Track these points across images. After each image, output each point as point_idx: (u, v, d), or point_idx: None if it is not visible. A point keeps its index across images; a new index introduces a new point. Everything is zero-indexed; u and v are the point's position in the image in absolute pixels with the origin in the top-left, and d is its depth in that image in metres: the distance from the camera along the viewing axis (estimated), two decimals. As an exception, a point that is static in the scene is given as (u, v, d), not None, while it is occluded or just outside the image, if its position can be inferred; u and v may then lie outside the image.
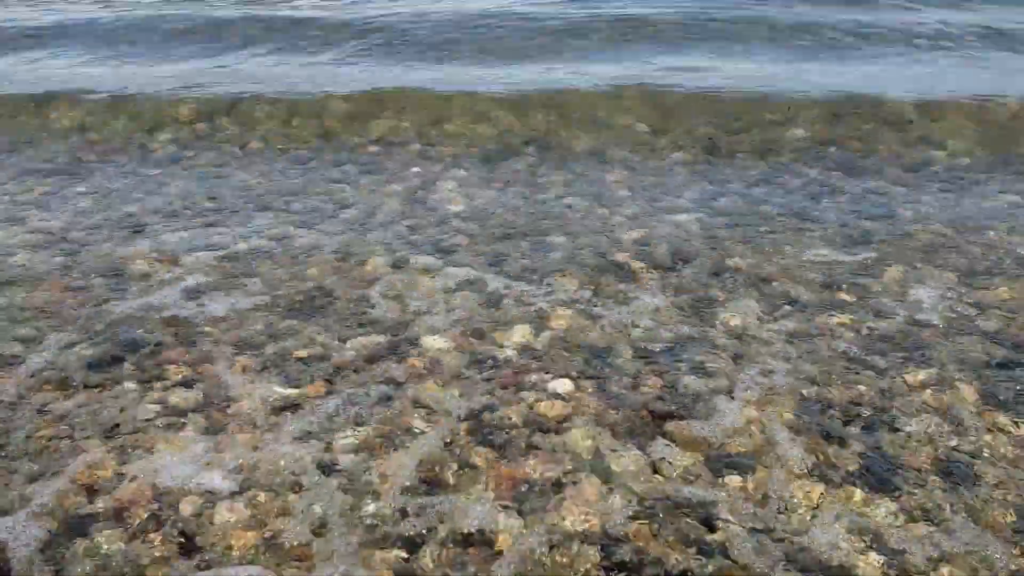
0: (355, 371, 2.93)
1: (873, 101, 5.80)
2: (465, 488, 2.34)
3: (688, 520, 2.22)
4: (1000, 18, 8.30)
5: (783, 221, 4.20)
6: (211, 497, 2.32)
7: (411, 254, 3.84)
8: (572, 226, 4.16)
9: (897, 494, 2.30)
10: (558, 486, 2.34)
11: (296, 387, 2.84)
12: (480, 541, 2.15)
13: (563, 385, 2.81)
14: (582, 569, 2.07)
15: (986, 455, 2.46)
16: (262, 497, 2.31)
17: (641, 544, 2.14)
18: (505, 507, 2.26)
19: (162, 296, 3.49)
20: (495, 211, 4.39)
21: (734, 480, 2.36)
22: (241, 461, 2.46)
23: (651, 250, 3.84)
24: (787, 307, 3.33)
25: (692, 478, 2.38)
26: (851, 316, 3.25)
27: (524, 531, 2.18)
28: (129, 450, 2.52)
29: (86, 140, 5.73)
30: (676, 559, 2.09)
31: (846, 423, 2.61)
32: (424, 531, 2.19)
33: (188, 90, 6.52)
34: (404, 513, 2.25)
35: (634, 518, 2.22)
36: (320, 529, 2.20)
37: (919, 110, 5.63)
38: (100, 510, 2.28)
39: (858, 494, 2.30)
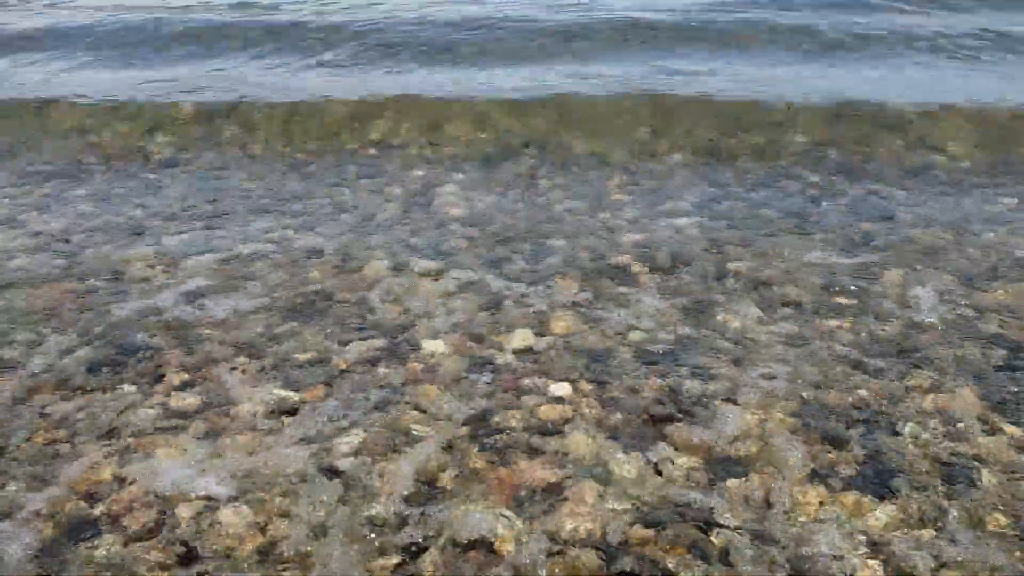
0: (355, 375, 2.92)
1: (873, 104, 5.80)
2: (465, 492, 2.33)
3: (688, 524, 2.21)
4: (1000, 20, 8.30)
5: (783, 224, 4.19)
6: (210, 502, 2.31)
7: (411, 257, 3.84)
8: (572, 229, 4.16)
9: (898, 499, 2.30)
10: (558, 490, 2.34)
11: (296, 391, 2.83)
12: (480, 546, 2.15)
13: (563, 389, 2.81)
14: (582, 574, 2.06)
15: (987, 459, 2.46)
16: (262, 502, 2.30)
17: (641, 549, 2.13)
18: (505, 512, 2.25)
19: (162, 299, 3.49)
20: (495, 214, 4.39)
21: (734, 484, 2.36)
22: (241, 465, 2.46)
23: (651, 253, 3.84)
24: (787, 310, 3.32)
25: (692, 482, 2.38)
26: (851, 319, 3.25)
27: (524, 536, 2.17)
28: (128, 454, 2.52)
29: (86, 143, 5.73)
30: (676, 564, 2.08)
31: (846, 427, 2.61)
32: (424, 536, 2.18)
33: (188, 94, 6.53)
34: (404, 518, 2.25)
35: (634, 522, 2.22)
36: (320, 534, 2.20)
37: (919, 113, 5.63)
38: (99, 515, 2.28)
39: (859, 499, 2.29)
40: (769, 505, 2.28)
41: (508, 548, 2.13)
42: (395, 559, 2.11)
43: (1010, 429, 2.59)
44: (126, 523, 2.24)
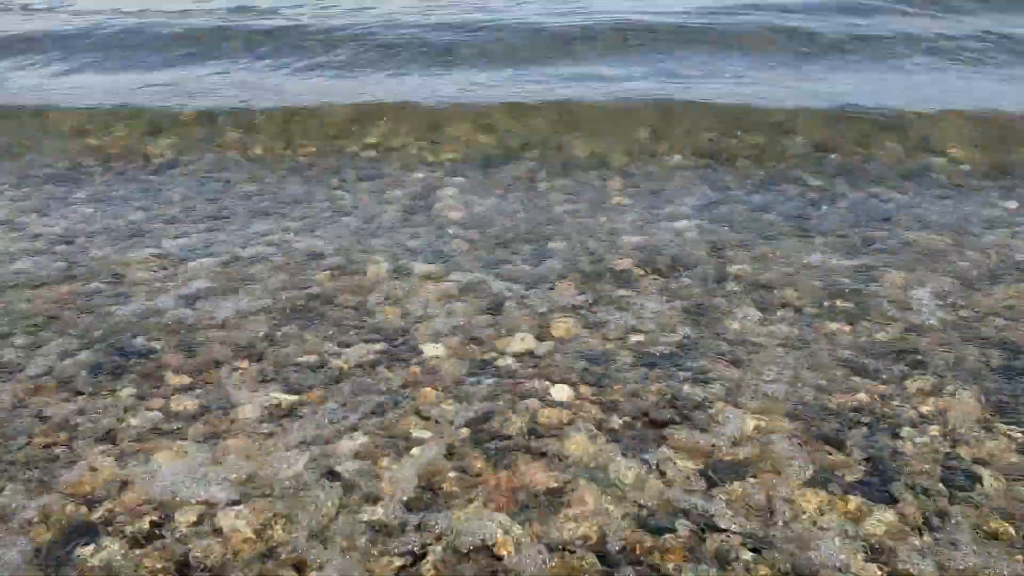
0: (355, 378, 2.92)
1: (873, 107, 5.81)
2: (465, 496, 2.33)
3: (689, 527, 2.21)
4: (1000, 24, 8.31)
5: (783, 227, 4.19)
6: (210, 506, 2.31)
7: (411, 260, 3.84)
8: (572, 232, 4.16)
9: (898, 503, 2.30)
10: (558, 494, 2.34)
11: (296, 394, 2.83)
12: (480, 549, 2.15)
13: (563, 392, 2.81)
14: (582, 578, 2.06)
15: (988, 463, 2.45)
16: (262, 506, 2.30)
17: (641, 553, 2.13)
18: (505, 515, 2.25)
19: (162, 301, 3.49)
20: (495, 217, 4.39)
21: (735, 488, 2.35)
22: (241, 469, 2.45)
23: (651, 256, 3.84)
24: (787, 314, 3.32)
25: (692, 486, 2.37)
26: (851, 323, 3.24)
27: (524, 539, 2.17)
28: (128, 457, 2.51)
29: (86, 145, 5.73)
30: (676, 568, 2.08)
31: (847, 431, 2.60)
32: (424, 539, 2.18)
33: (188, 96, 6.53)
34: (404, 521, 2.24)
35: (634, 526, 2.22)
36: (320, 538, 2.19)
37: (919, 116, 5.64)
38: (98, 519, 2.27)
39: (859, 503, 2.29)
40: (769, 509, 2.28)
41: (508, 552, 2.13)
42: (395, 563, 2.10)
43: (1011, 432, 2.58)
44: (125, 527, 2.23)
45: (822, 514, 2.26)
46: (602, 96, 6.29)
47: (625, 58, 7.53)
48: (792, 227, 4.20)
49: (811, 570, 2.08)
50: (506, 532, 2.19)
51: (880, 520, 2.23)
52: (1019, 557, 2.11)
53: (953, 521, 2.23)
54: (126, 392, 2.86)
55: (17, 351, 3.13)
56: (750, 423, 2.63)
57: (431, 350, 3.09)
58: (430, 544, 2.16)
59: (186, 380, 2.93)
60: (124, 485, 2.40)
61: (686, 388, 2.83)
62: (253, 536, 2.20)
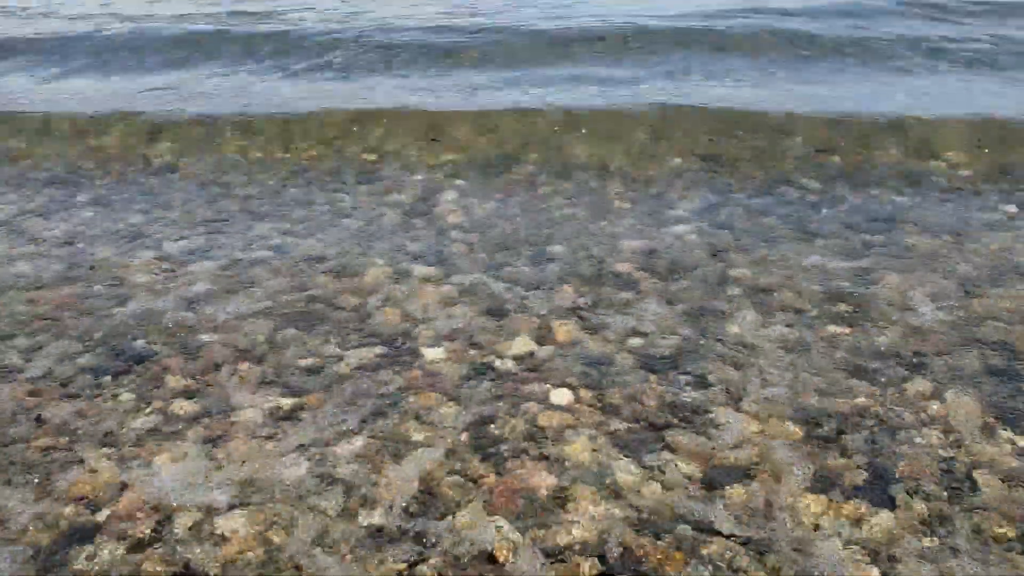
0: (355, 381, 2.92)
1: (873, 111, 5.81)
2: (465, 500, 2.33)
3: (689, 531, 2.21)
4: (1001, 28, 8.32)
5: (783, 230, 4.19)
6: (210, 510, 2.31)
7: (411, 264, 3.84)
8: (573, 235, 4.16)
9: (898, 507, 2.30)
10: (558, 497, 2.34)
11: (296, 397, 2.83)
12: (480, 553, 2.14)
13: (563, 395, 2.81)
14: (582, 582, 2.06)
15: (988, 467, 2.45)
16: (261, 509, 2.30)
17: (641, 556, 2.13)
18: (505, 519, 2.25)
19: (162, 304, 3.49)
20: (495, 221, 4.39)
21: (735, 492, 2.35)
22: (240, 472, 2.45)
23: (652, 259, 3.84)
24: (787, 317, 3.32)
25: (693, 490, 2.37)
26: (851, 326, 3.24)
27: (524, 543, 2.17)
28: (128, 461, 2.51)
29: (87, 148, 5.73)
30: (675, 572, 2.08)
31: (847, 435, 2.60)
32: (424, 543, 2.18)
33: (187, 100, 6.53)
34: (404, 525, 2.24)
35: (634, 529, 2.22)
36: (319, 542, 2.19)
37: (919, 120, 5.64)
38: (97, 523, 2.27)
39: (859, 507, 2.29)
40: (769, 513, 2.28)
41: (507, 556, 2.13)
42: (394, 568, 2.10)
43: (1011, 436, 2.58)
44: (124, 531, 2.23)
45: (822, 518, 2.26)
46: (602, 99, 6.29)
47: (625, 61, 7.54)
48: (792, 230, 4.20)
49: (812, 574, 2.07)
50: (505, 537, 2.19)
51: (880, 524, 2.23)
52: (1019, 561, 2.11)
53: (953, 525, 2.23)
54: (126, 395, 2.86)
55: (17, 353, 3.13)
56: (750, 426, 2.63)
57: (431, 353, 3.09)
58: (429, 549, 2.16)
59: (186, 383, 2.93)
60: (123, 488, 2.40)
61: (686, 391, 2.83)
62: (253, 540, 2.20)
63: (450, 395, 2.83)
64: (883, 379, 2.90)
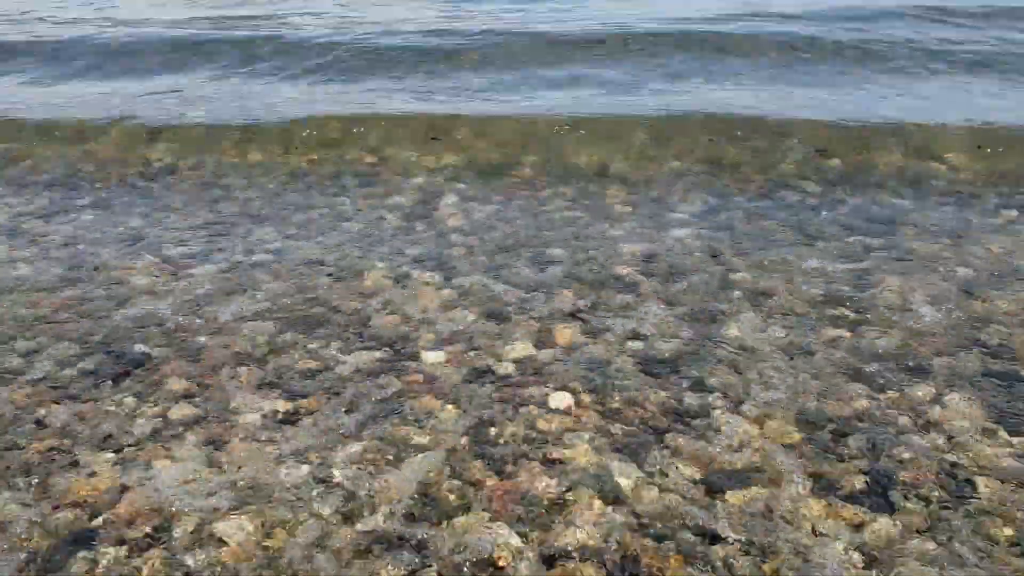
0: (355, 385, 2.92)
1: (873, 114, 5.82)
2: (465, 504, 2.33)
3: (689, 536, 2.21)
4: (1002, 31, 8.32)
5: (783, 234, 4.19)
6: (209, 513, 2.31)
7: (411, 268, 3.84)
8: (573, 239, 4.16)
9: (898, 511, 2.29)
10: (559, 501, 2.33)
11: (296, 400, 2.83)
12: (480, 558, 2.14)
13: (563, 399, 2.80)
14: (583, 586, 2.06)
15: (988, 470, 2.45)
16: (260, 514, 2.30)
17: (641, 560, 2.13)
18: (505, 523, 2.25)
19: (162, 308, 3.49)
20: (495, 224, 4.39)
21: (735, 496, 2.35)
22: (240, 476, 2.45)
23: (652, 263, 3.84)
24: (788, 320, 3.32)
25: (693, 493, 2.37)
26: (851, 329, 3.24)
27: (524, 547, 2.17)
28: (128, 464, 2.51)
29: (86, 152, 5.74)
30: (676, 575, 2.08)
31: (847, 438, 2.60)
32: (424, 547, 2.18)
33: (187, 103, 6.54)
34: (404, 529, 2.24)
35: (634, 534, 2.21)
36: (319, 547, 2.19)
37: (919, 124, 5.63)
38: (97, 526, 2.27)
39: (859, 511, 2.29)
40: (769, 517, 2.28)
41: (508, 561, 2.12)
42: (395, 573, 2.10)
43: (1010, 439, 2.58)
44: (124, 534, 2.23)
45: (822, 522, 2.25)
46: (602, 102, 6.30)
47: (625, 64, 7.54)
48: (792, 233, 4.20)
49: (812, 579, 2.07)
50: (506, 541, 2.18)
51: (880, 527, 2.23)
52: (1019, 564, 2.10)
53: (953, 528, 2.22)
54: (126, 398, 2.85)
55: (18, 356, 3.13)
56: (751, 430, 2.63)
57: (431, 357, 3.08)
58: (429, 554, 2.16)
59: (186, 386, 2.92)
60: (123, 492, 2.39)
61: (686, 395, 2.83)
62: (252, 545, 2.19)
63: (450, 399, 2.82)
64: (883, 382, 2.90)
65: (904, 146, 5.36)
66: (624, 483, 2.40)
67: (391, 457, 2.52)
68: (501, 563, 2.12)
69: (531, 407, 2.76)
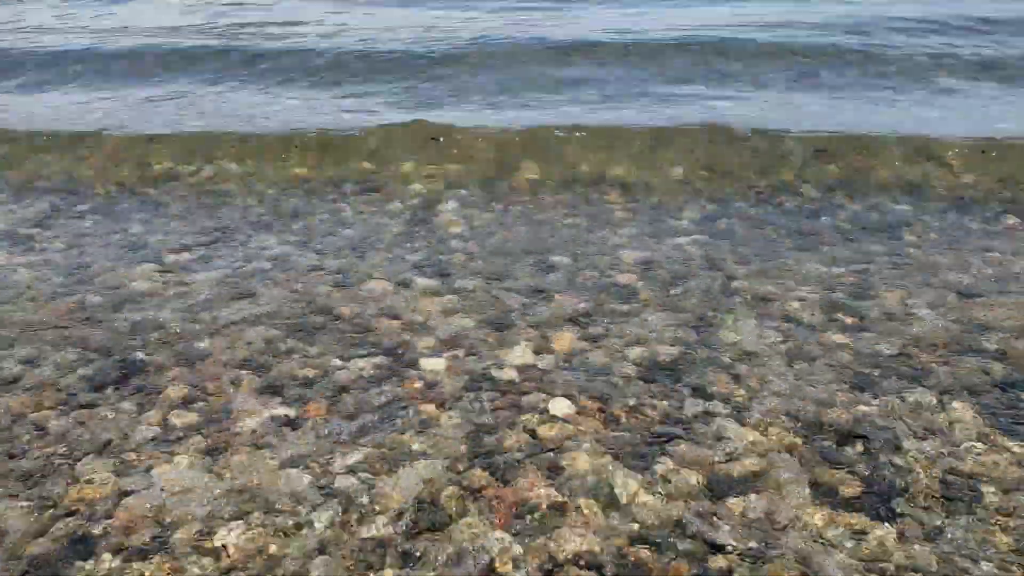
0: (355, 391, 2.92)
1: (874, 121, 5.82)
2: (465, 511, 2.32)
3: (690, 543, 2.20)
4: (1005, 40, 8.33)
5: (784, 240, 4.20)
6: (210, 520, 2.30)
7: (411, 274, 3.84)
8: (573, 246, 4.16)
9: (899, 518, 2.29)
10: (559, 508, 2.33)
11: (296, 407, 2.83)
12: (480, 564, 2.13)
13: (564, 406, 2.80)
14: (583, 594, 2.05)
15: (988, 477, 2.45)
16: (260, 521, 2.29)
17: (642, 568, 2.12)
18: (505, 530, 2.24)
19: (162, 315, 3.48)
20: (495, 231, 4.39)
21: (736, 503, 2.35)
22: (240, 483, 2.45)
23: (652, 269, 3.84)
24: (788, 327, 3.32)
25: (694, 501, 2.36)
26: (852, 336, 3.24)
27: (524, 555, 2.16)
28: (127, 471, 2.51)
29: (86, 159, 5.74)
30: (678, 584, 2.07)
31: (848, 445, 2.60)
32: (423, 555, 2.17)
33: (187, 111, 6.55)
34: (403, 536, 2.23)
35: (634, 542, 2.21)
36: (319, 552, 2.18)
37: (919, 130, 5.64)
38: (97, 533, 2.26)
39: (860, 518, 2.28)
40: (770, 525, 2.27)
41: (508, 568, 2.12)
42: (395, 579, 2.10)
43: (1010, 446, 2.58)
44: (124, 541, 2.22)
45: (823, 529, 2.25)
46: (603, 109, 6.31)
47: (625, 71, 7.55)
48: (793, 239, 4.20)
49: (813, 586, 2.07)
50: (506, 547, 2.18)
51: (881, 535, 2.22)
52: (1018, 572, 2.10)
53: (953, 536, 2.22)
54: (126, 405, 2.85)
55: (18, 363, 3.12)
56: (751, 437, 2.62)
57: (431, 364, 3.08)
58: (429, 560, 2.15)
59: (186, 393, 2.92)
60: (123, 499, 2.39)
61: (687, 401, 2.82)
62: (252, 552, 2.19)
63: (450, 405, 2.82)
64: (884, 388, 2.89)
65: (905, 152, 5.35)
66: (624, 491, 2.39)
67: (391, 464, 2.51)
68: (501, 571, 2.11)
69: (531, 414, 2.75)
